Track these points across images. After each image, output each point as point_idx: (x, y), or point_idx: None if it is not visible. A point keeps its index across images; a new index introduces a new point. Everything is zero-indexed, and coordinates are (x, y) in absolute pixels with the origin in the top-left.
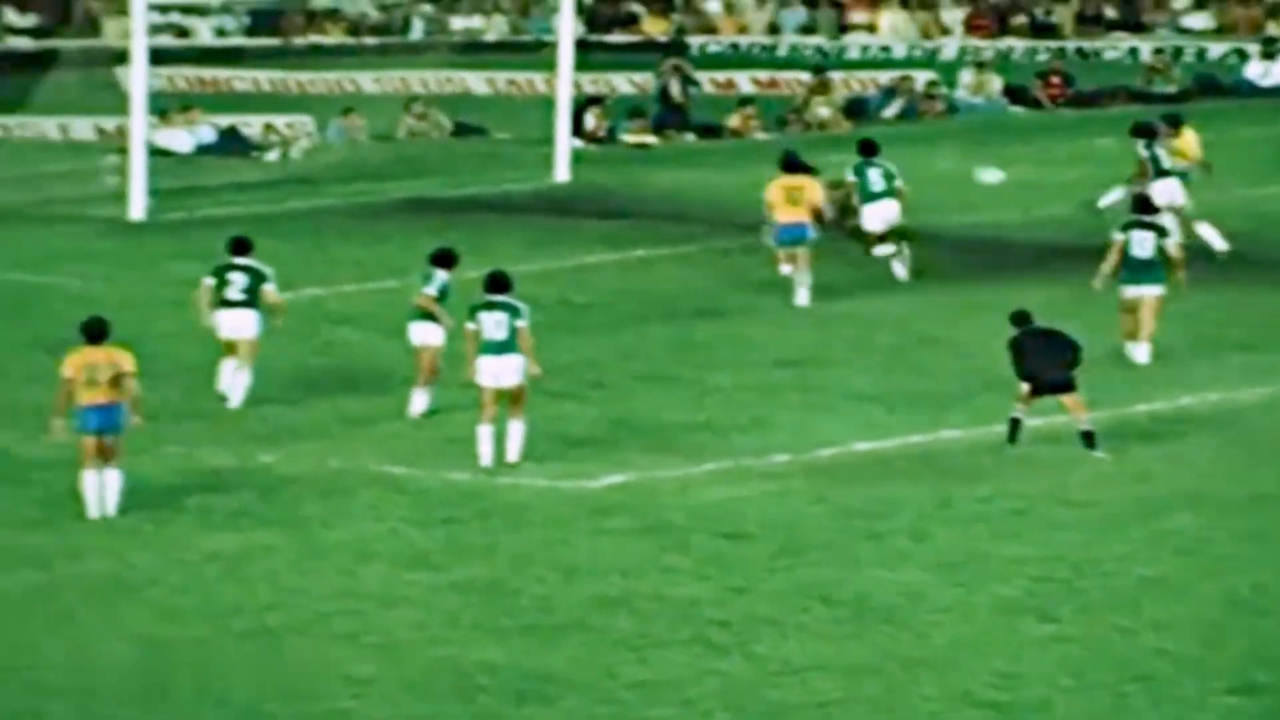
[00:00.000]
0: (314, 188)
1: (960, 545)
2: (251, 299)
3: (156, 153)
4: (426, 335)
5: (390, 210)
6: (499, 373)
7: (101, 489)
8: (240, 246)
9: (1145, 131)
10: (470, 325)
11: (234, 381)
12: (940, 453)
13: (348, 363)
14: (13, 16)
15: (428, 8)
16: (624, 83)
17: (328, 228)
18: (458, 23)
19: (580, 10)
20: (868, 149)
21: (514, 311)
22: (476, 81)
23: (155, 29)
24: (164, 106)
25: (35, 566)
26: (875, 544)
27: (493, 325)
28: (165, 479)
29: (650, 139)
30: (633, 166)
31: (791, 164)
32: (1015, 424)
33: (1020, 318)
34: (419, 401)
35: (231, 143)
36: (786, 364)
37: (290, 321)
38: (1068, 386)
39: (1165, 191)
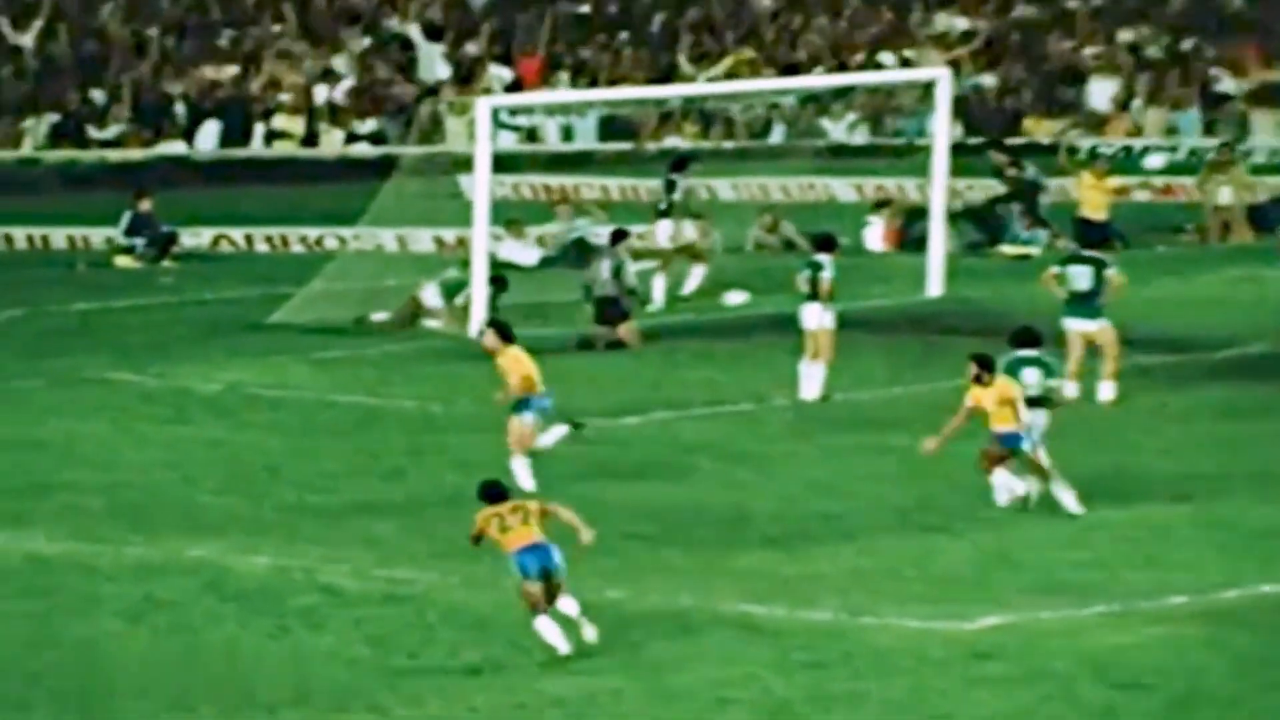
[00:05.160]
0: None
1: None
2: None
3: (499, 265)
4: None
5: (747, 329)
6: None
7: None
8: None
9: None
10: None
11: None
12: None
13: (700, 492)
14: (354, 123)
15: (790, 106)
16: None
17: (677, 347)
18: (826, 126)
19: (958, 112)
20: None
21: (1047, 368)
22: (842, 188)
23: (501, 126)
24: (510, 216)
25: (370, 710)
26: None
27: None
28: (508, 617)
29: (1034, 249)
30: (1011, 279)
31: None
32: None
33: None
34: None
35: (578, 255)
36: (1182, 498)
37: (641, 449)
38: None
39: None
